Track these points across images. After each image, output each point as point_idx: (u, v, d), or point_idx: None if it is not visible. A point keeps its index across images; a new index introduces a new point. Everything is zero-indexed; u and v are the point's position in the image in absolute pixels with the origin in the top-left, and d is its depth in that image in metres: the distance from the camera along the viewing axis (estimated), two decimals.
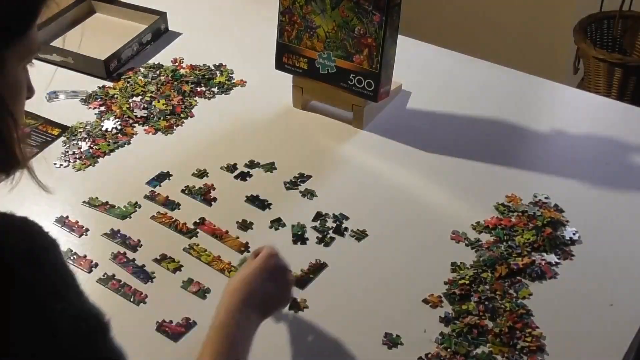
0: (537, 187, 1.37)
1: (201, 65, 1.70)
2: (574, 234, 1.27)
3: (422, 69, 1.68)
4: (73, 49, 1.68)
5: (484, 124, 1.53)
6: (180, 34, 1.81)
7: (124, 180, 1.41)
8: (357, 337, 1.13)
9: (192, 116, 1.56)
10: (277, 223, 1.32)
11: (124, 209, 1.35)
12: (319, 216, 1.33)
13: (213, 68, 1.69)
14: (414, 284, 1.20)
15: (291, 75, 1.54)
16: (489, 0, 2.77)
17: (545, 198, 1.34)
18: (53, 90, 1.62)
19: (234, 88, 1.64)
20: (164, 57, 1.73)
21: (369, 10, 1.39)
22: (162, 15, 1.80)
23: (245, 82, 1.66)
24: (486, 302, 1.17)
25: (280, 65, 1.54)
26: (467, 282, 1.19)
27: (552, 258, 1.23)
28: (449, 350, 1.10)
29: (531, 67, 1.83)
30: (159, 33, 1.79)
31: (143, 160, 1.46)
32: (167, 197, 1.37)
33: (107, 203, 1.36)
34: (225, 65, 1.70)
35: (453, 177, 1.40)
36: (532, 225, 1.29)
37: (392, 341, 1.11)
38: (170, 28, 1.82)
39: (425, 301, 1.18)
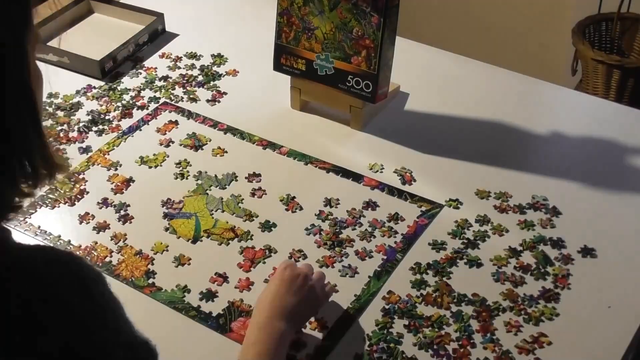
0: (535, 189, 1.37)
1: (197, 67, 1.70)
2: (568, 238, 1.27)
3: (420, 71, 1.67)
4: (70, 49, 1.68)
5: (482, 126, 1.52)
6: (177, 35, 1.80)
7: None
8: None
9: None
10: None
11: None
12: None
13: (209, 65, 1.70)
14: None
15: (289, 77, 1.54)
16: (487, 1, 2.77)
17: (544, 200, 1.34)
18: None
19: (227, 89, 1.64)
20: (160, 59, 1.72)
21: (367, 11, 1.38)
22: (160, 16, 1.79)
23: (238, 72, 1.66)
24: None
25: (278, 66, 1.53)
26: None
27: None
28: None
29: (529, 69, 1.83)
30: (156, 34, 1.79)
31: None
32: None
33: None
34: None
35: (450, 179, 1.40)
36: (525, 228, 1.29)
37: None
38: (167, 29, 1.81)
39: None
